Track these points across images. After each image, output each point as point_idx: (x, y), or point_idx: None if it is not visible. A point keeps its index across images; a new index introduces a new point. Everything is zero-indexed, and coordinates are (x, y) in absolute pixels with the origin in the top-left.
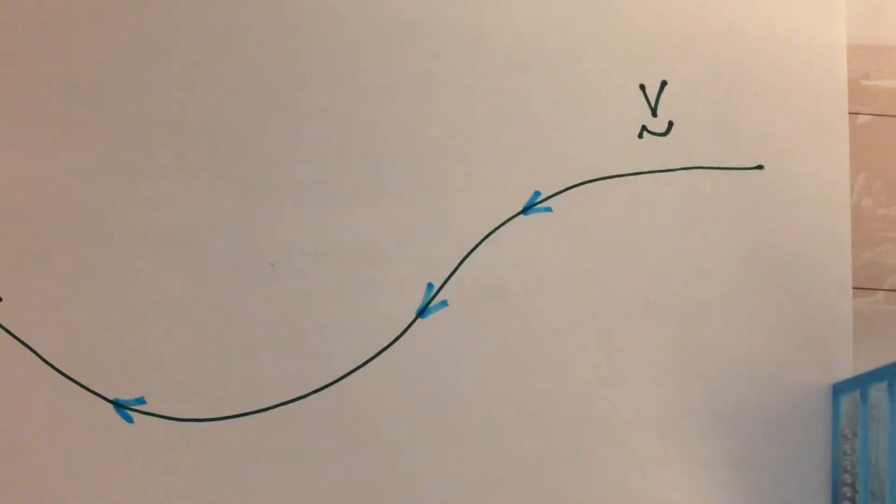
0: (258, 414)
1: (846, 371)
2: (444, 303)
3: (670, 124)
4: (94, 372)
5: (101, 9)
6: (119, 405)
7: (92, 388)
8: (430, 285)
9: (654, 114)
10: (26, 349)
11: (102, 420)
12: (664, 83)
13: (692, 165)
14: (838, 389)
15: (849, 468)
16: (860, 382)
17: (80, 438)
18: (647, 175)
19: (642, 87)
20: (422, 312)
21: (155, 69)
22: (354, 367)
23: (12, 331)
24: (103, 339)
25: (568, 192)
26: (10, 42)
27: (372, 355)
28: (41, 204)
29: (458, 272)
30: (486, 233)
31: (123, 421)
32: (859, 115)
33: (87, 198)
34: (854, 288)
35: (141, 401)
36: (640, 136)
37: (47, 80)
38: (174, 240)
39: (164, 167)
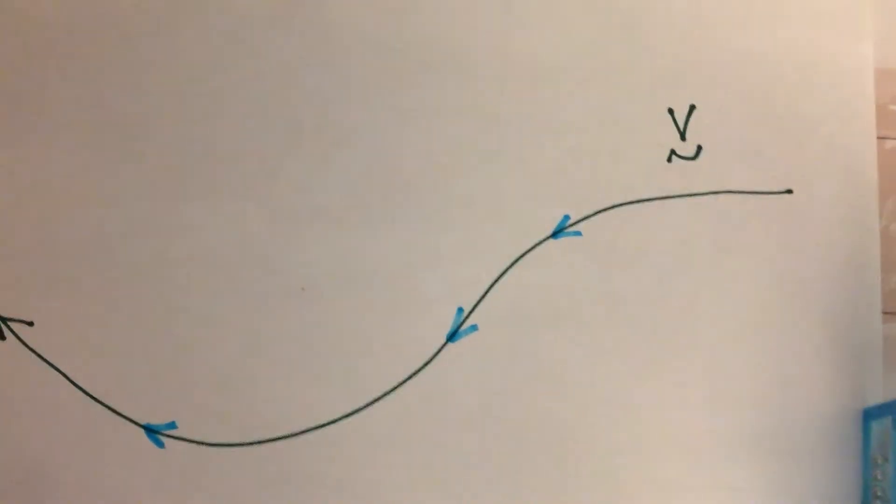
0: (288, 439)
1: (877, 396)
2: (474, 327)
3: (699, 148)
4: (125, 396)
5: (127, 33)
6: (150, 430)
7: (123, 413)
8: (460, 309)
9: (683, 138)
10: (58, 373)
11: (133, 445)
12: (692, 107)
13: (721, 189)
14: (869, 415)
15: (880, 494)
16: (891, 408)
17: (110, 463)
18: (677, 199)
19: (671, 111)
20: (452, 337)
21: (185, 94)
22: (385, 391)
23: (43, 355)
24: (134, 364)
25: (597, 215)
26: (41, 62)
27: (402, 380)
28: (72, 227)
29: (487, 296)
30: (516, 257)
31: (154, 446)
32: (888, 140)
33: (118, 221)
34: (884, 313)
35: (172, 426)
36: (669, 160)
37: (75, 99)
38: (205, 263)
39: (195, 191)
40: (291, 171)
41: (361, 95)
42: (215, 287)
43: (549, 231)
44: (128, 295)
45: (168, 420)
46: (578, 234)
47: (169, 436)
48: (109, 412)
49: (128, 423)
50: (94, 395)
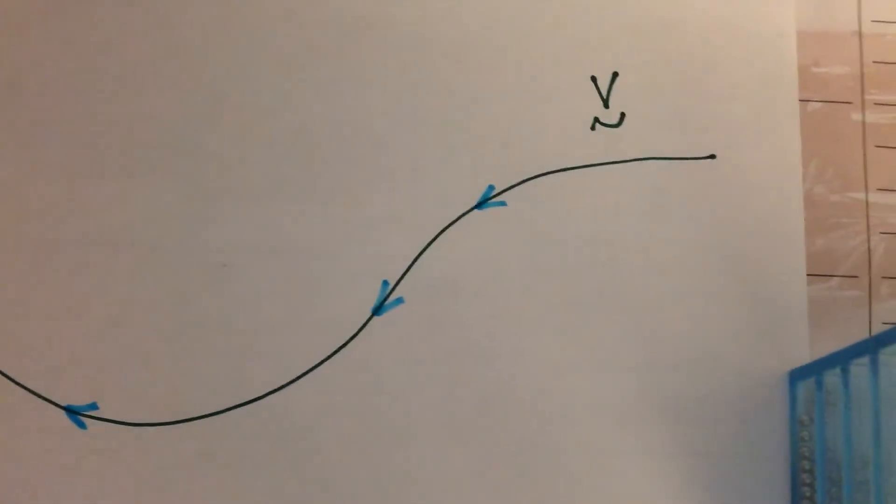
0: (213, 417)
1: (803, 358)
2: (399, 300)
3: (622, 116)
4: (44, 378)
5: (41, 6)
6: (71, 411)
7: (43, 395)
8: (385, 282)
9: (607, 105)
10: None
11: (55, 426)
12: (615, 74)
13: (645, 156)
14: (795, 376)
15: (807, 454)
16: (815, 369)
17: (32, 445)
18: (601, 167)
19: (594, 79)
20: (378, 310)
21: (97, 67)
22: (310, 366)
23: None
24: (53, 345)
25: (522, 185)
26: None
27: (328, 355)
28: None
29: (413, 269)
30: (441, 228)
31: (76, 427)
32: (810, 103)
33: (31, 202)
34: (808, 275)
35: (93, 406)
36: (593, 128)
37: None
38: (123, 242)
39: (109, 168)
40: (208, 146)
41: (278, 68)
42: (135, 265)
43: (474, 202)
44: (45, 276)
45: (89, 401)
46: (503, 203)
47: (91, 416)
48: (29, 394)
49: (48, 404)
50: (13, 378)
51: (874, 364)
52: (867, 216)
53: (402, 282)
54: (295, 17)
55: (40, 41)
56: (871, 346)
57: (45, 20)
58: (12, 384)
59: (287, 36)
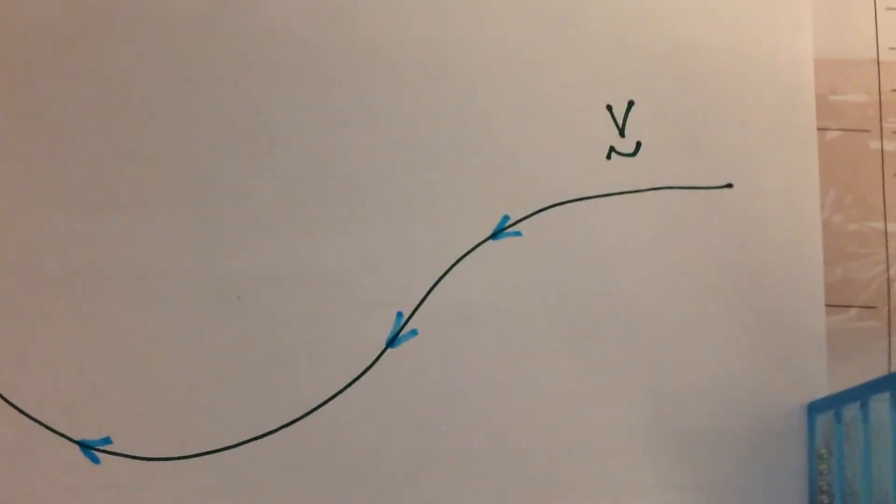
0: (227, 451)
1: (821, 389)
2: (414, 332)
3: (638, 145)
4: (58, 412)
5: (55, 39)
6: (85, 446)
7: (57, 429)
8: (399, 314)
9: (622, 134)
10: None
11: (68, 461)
12: (631, 103)
13: (661, 186)
14: (813, 408)
15: (825, 488)
16: (834, 402)
17: (45, 480)
18: (617, 196)
19: (609, 108)
20: (392, 342)
21: (112, 99)
22: (324, 399)
23: None
24: (67, 379)
25: (537, 215)
26: None
27: (342, 387)
28: None
29: (427, 300)
30: (456, 259)
31: (90, 462)
32: (828, 131)
33: (46, 233)
34: (827, 305)
35: (107, 441)
36: (609, 157)
37: (2, 111)
38: (137, 275)
39: (123, 200)
40: (223, 177)
41: (294, 99)
42: (148, 298)
43: (489, 232)
44: (59, 309)
45: (103, 435)
46: (518, 234)
47: (104, 451)
48: (43, 428)
49: (62, 439)
50: (27, 412)
51: (894, 399)
52: (886, 245)
53: (417, 313)
54: (308, 48)
55: (57, 73)
56: (892, 382)
57: (62, 53)
58: (26, 418)
59: (300, 66)
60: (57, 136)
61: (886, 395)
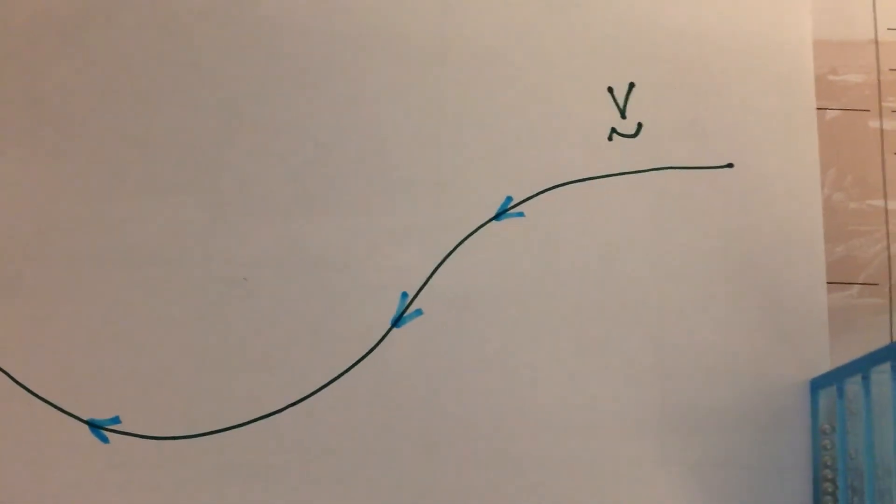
0: (235, 430)
1: (824, 366)
2: (418, 311)
3: (639, 126)
4: (67, 392)
5: (64, 25)
6: (94, 425)
7: (66, 409)
8: (404, 294)
9: (623, 116)
10: None
11: (77, 440)
12: (632, 85)
13: (662, 166)
14: (816, 385)
15: (829, 463)
16: (836, 377)
17: (55, 459)
18: (618, 177)
19: (610, 90)
20: (397, 322)
21: (118, 86)
22: (330, 379)
23: None
24: (76, 359)
25: (540, 196)
26: None
27: (347, 367)
28: (8, 224)
29: (431, 280)
30: (460, 240)
31: (98, 441)
32: (828, 111)
33: (56, 218)
34: (828, 283)
35: (116, 420)
36: (610, 138)
37: (9, 97)
38: (145, 258)
39: (131, 185)
40: (229, 163)
41: (296, 84)
42: (157, 281)
43: (492, 213)
44: (68, 292)
45: (112, 415)
46: (521, 214)
47: (113, 430)
48: (52, 409)
49: (71, 418)
50: (37, 392)
51: (895, 371)
52: (886, 223)
53: (421, 293)
54: (312, 34)
55: (63, 62)
56: (893, 352)
57: (68, 41)
58: (35, 398)
59: (304, 52)
60: (64, 123)
61: (887, 367)
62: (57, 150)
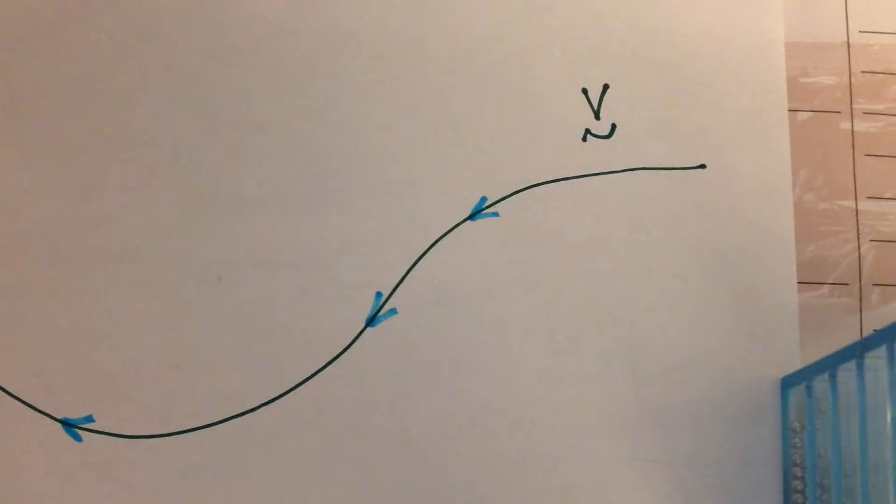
0: (209, 428)
1: (794, 365)
2: (393, 311)
3: (613, 127)
4: (41, 391)
5: (40, 24)
6: (67, 424)
7: (39, 408)
8: (378, 294)
9: (598, 117)
10: None
11: (51, 439)
12: (606, 86)
13: (636, 167)
14: (786, 383)
15: (799, 461)
16: (805, 375)
17: (28, 459)
18: (592, 177)
19: (585, 91)
20: (371, 321)
21: (94, 83)
22: (304, 378)
23: None
24: (50, 358)
25: (514, 196)
26: None
27: (322, 366)
28: None
29: (406, 280)
30: (434, 240)
31: (72, 440)
32: (799, 112)
33: (28, 217)
34: (799, 282)
35: (89, 419)
36: (584, 139)
37: None
38: (119, 256)
39: (105, 183)
40: (205, 162)
41: (274, 85)
42: (130, 279)
43: (467, 213)
44: (41, 290)
45: (85, 413)
46: (496, 214)
47: (87, 429)
48: (25, 407)
49: (44, 417)
50: (9, 391)
51: (860, 368)
52: (857, 224)
53: (396, 293)
54: (287, 35)
55: (40, 58)
56: (858, 351)
57: (45, 38)
58: (8, 397)
59: (281, 51)
60: (40, 121)
61: (853, 365)
62: (31, 149)
